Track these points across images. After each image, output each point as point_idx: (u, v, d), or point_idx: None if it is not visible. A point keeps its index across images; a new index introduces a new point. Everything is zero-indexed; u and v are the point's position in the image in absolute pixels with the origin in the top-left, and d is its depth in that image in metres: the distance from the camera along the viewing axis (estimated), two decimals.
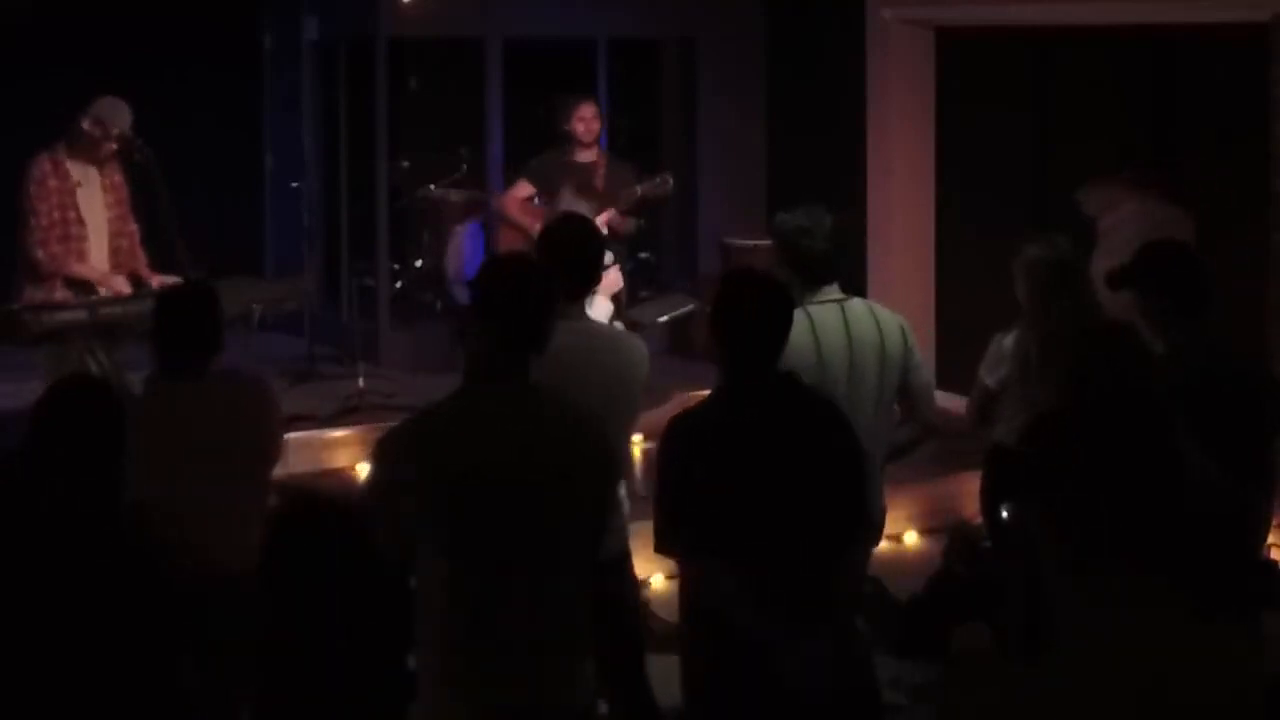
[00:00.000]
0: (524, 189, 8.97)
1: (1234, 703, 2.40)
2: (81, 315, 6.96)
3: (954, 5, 9.72)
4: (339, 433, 8.62)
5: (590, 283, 5.04)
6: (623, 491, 4.98)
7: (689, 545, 4.17)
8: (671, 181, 8.83)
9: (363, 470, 8.47)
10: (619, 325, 6.43)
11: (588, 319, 4.98)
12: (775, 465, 4.15)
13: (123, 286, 7.26)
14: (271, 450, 5.15)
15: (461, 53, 11.03)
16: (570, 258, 4.88)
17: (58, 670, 3.61)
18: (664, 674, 5.16)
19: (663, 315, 8.72)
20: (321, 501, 2.70)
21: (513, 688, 3.76)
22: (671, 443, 4.21)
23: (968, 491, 6.98)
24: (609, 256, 6.76)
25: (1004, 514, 5.31)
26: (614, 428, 4.68)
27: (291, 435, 8.07)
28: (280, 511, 2.49)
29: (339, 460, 8.49)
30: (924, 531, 7.96)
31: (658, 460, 4.23)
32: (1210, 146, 8.46)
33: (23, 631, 3.62)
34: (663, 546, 4.21)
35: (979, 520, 6.40)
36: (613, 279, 6.70)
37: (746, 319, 4.24)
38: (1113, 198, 7.78)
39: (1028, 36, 9.40)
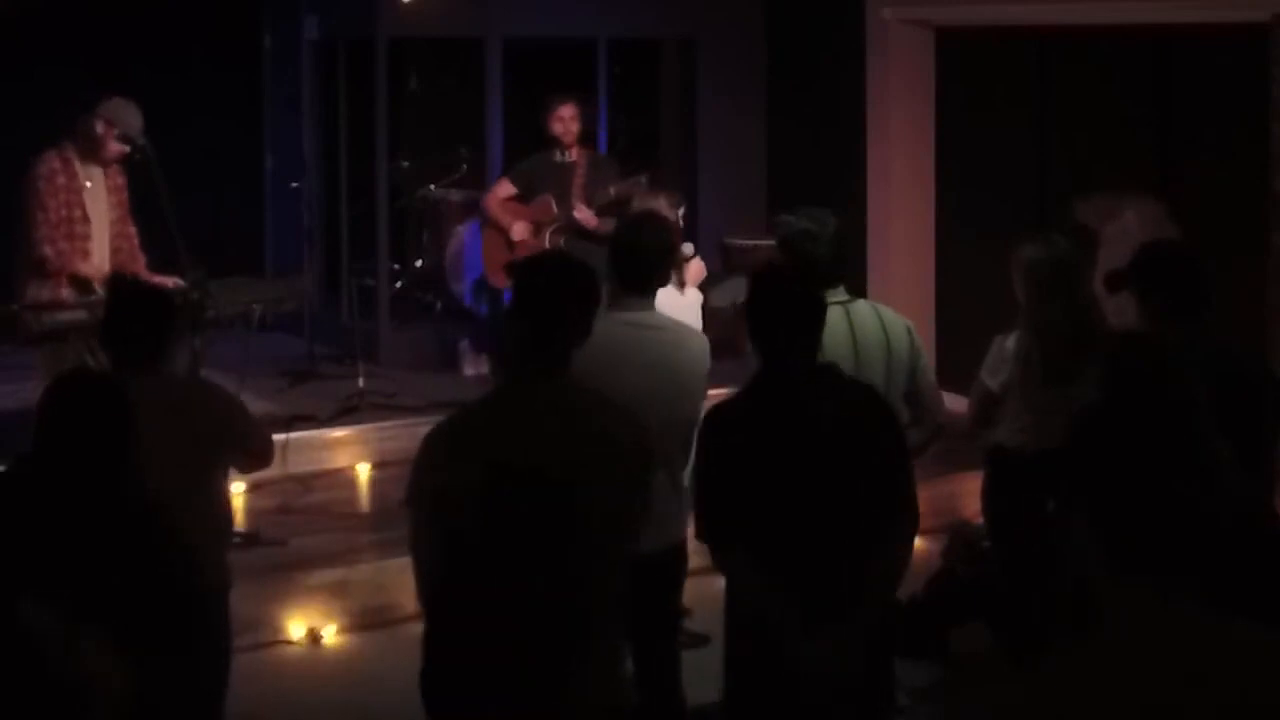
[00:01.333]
0: (505, 188, 9.04)
1: (1272, 702, 2.40)
2: (81, 315, 6.96)
3: (954, 5, 9.73)
4: (339, 433, 8.62)
5: (655, 278, 5.05)
6: (687, 481, 4.98)
7: (723, 535, 4.21)
8: (645, 182, 8.85)
9: (362, 470, 8.48)
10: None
11: (649, 311, 4.99)
12: (809, 456, 4.17)
13: None
14: (223, 454, 5.05)
15: (461, 53, 11.03)
16: (634, 253, 4.95)
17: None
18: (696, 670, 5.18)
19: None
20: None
21: None
22: (708, 434, 4.28)
23: (968, 491, 6.98)
24: (689, 248, 6.83)
25: (1050, 510, 5.29)
26: (663, 421, 4.71)
27: (292, 435, 8.11)
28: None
29: (339, 460, 8.49)
30: (924, 531, 7.91)
31: (696, 451, 4.31)
32: (1210, 146, 8.46)
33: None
34: (701, 535, 4.28)
35: (979, 520, 6.39)
36: (697, 269, 6.74)
37: (779, 312, 4.28)
38: (1111, 207, 7.78)
39: (1028, 36, 9.40)
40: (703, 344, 5.10)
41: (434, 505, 3.78)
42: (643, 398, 4.44)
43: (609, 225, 8.81)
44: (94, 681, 3.37)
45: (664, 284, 5.24)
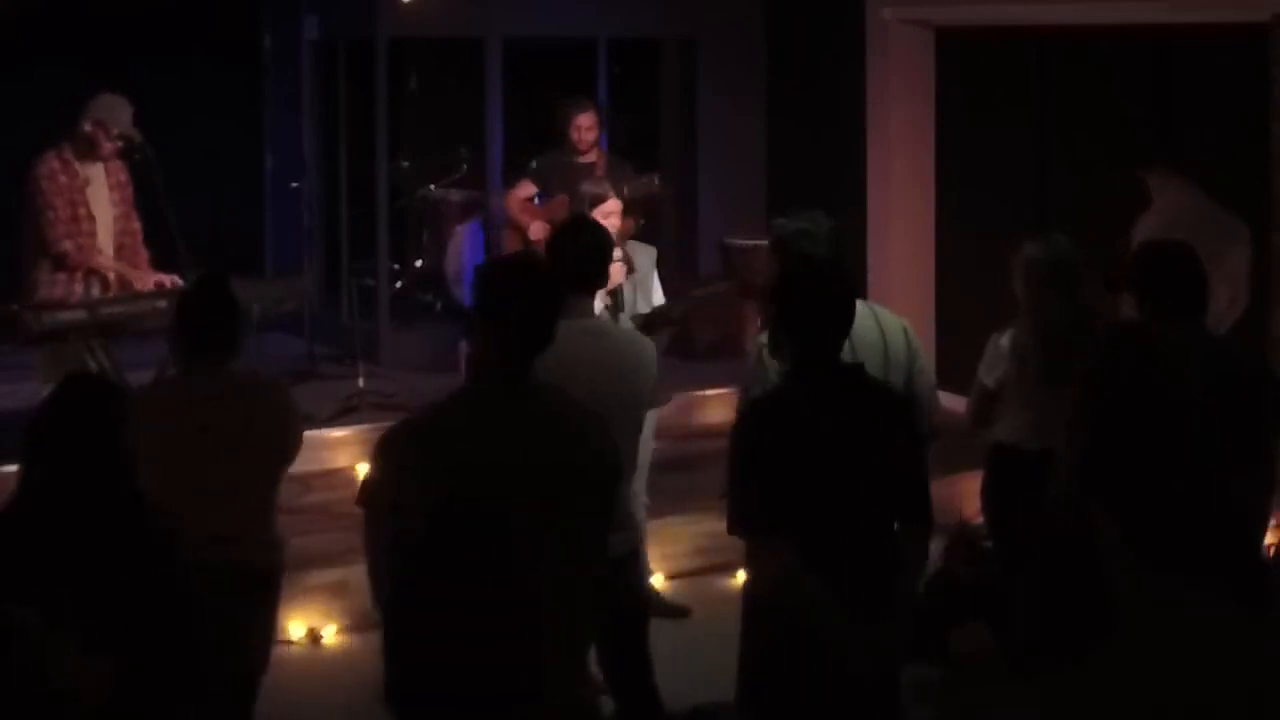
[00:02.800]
0: (526, 189, 9.07)
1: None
2: (81, 315, 6.97)
3: (954, 5, 9.72)
4: (339, 433, 8.61)
5: (598, 280, 5.06)
6: (638, 488, 5.00)
7: (758, 529, 4.23)
8: (658, 181, 8.87)
9: (362, 470, 8.47)
10: (627, 320, 6.43)
11: (594, 318, 5.00)
12: (841, 452, 4.20)
13: (145, 280, 7.29)
14: (288, 450, 5.17)
15: (461, 53, 11.03)
16: (576, 255, 4.94)
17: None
18: (674, 670, 5.18)
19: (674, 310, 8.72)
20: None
21: None
22: (742, 429, 4.31)
23: (968, 491, 6.97)
24: (615, 253, 6.80)
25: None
26: (619, 426, 4.72)
27: None
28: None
29: (339, 460, 8.48)
30: None
31: (730, 446, 4.31)
32: (1210, 146, 8.46)
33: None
34: (734, 529, 4.29)
35: (979, 520, 6.39)
36: (615, 273, 6.71)
37: (811, 308, 4.29)
38: (1165, 182, 7.70)
39: (1028, 36, 9.40)
40: (651, 348, 5.11)
41: (389, 507, 3.77)
42: (599, 404, 4.44)
43: (630, 226, 8.87)
44: (72, 685, 3.39)
45: (603, 285, 5.23)
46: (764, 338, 5.17)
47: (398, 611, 2.52)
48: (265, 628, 5.11)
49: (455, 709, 2.44)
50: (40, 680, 3.35)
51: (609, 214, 6.78)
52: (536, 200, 8.99)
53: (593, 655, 4.65)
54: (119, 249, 7.44)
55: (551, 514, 3.74)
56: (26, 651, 3.36)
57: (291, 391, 5.42)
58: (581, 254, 4.98)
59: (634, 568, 5.05)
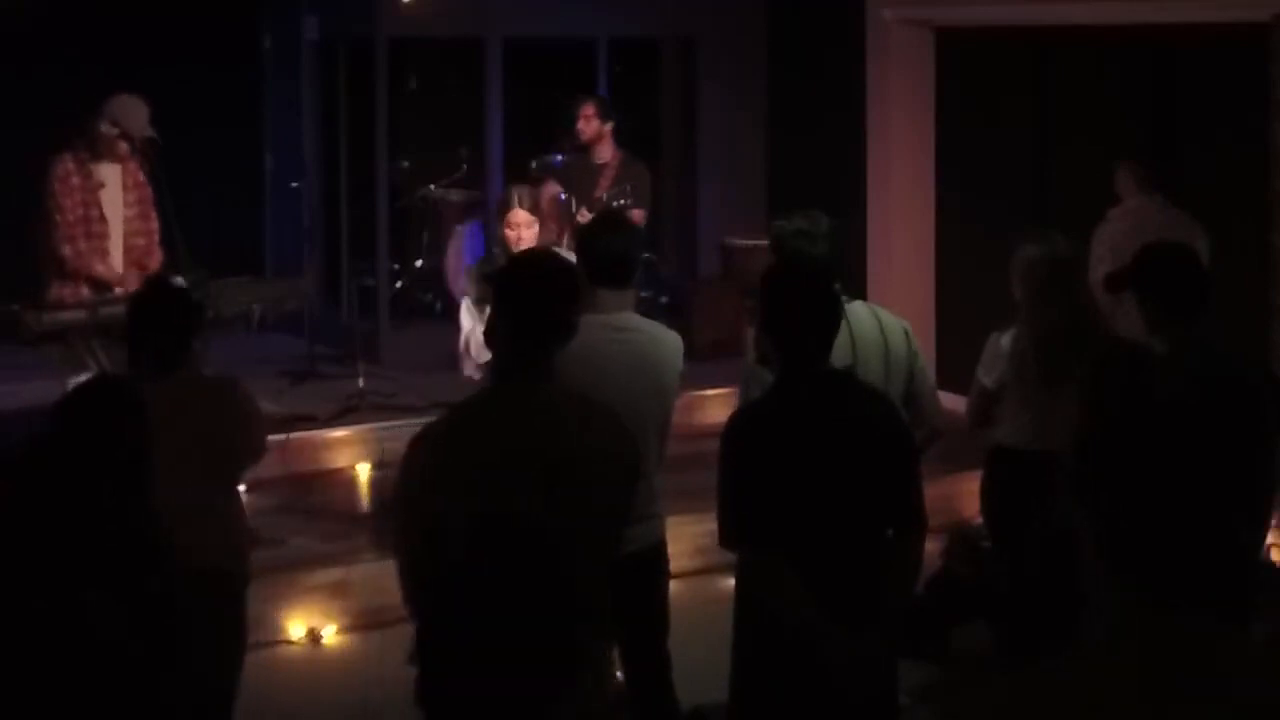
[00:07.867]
0: (551, 188, 9.04)
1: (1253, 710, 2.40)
2: (81, 315, 6.97)
3: (954, 5, 9.73)
4: (339, 433, 8.62)
5: (629, 276, 5.06)
6: (658, 484, 5.00)
7: (750, 539, 4.19)
8: (629, 189, 8.86)
9: (362, 470, 8.48)
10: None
11: (625, 312, 5.00)
12: (832, 459, 4.16)
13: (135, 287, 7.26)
14: (240, 451, 5.10)
15: (461, 53, 11.03)
16: (607, 251, 4.96)
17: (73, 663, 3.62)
18: (674, 670, 5.17)
19: None
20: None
21: None
22: (731, 438, 4.24)
23: (968, 491, 6.98)
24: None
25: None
26: (643, 421, 4.75)
27: (292, 435, 8.12)
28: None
29: (339, 460, 8.49)
30: None
31: (719, 456, 4.25)
32: (1210, 146, 8.46)
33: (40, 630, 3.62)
34: (725, 541, 4.24)
35: (979, 520, 6.39)
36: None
37: (797, 313, 4.24)
38: (1126, 186, 7.82)
39: (1028, 36, 9.41)
40: (677, 342, 5.11)
41: (418, 509, 3.78)
42: (623, 399, 4.43)
43: None
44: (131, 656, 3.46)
45: (632, 282, 5.23)
46: (752, 348, 5.14)
47: (435, 617, 2.53)
48: (231, 639, 4.98)
49: (489, 710, 2.44)
50: (117, 657, 3.42)
51: (515, 225, 6.72)
52: (562, 198, 8.99)
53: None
54: (129, 250, 7.44)
55: (570, 511, 3.73)
56: (108, 631, 3.42)
57: (248, 392, 5.26)
58: (612, 250, 4.99)
59: (657, 561, 5.03)
